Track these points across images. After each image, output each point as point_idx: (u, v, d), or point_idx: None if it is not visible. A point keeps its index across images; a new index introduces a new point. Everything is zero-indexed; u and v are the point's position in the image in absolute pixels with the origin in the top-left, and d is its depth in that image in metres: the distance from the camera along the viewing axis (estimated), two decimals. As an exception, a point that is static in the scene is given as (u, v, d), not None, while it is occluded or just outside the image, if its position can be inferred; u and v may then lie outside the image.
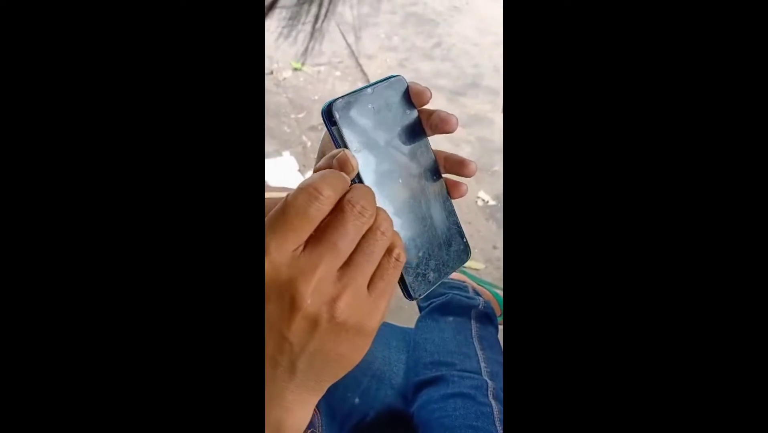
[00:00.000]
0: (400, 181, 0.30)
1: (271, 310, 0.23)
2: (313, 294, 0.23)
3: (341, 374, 0.26)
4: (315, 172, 0.29)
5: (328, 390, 0.56)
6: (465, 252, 0.34)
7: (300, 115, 1.54)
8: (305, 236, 0.23)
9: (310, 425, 0.50)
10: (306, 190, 0.23)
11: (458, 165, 0.32)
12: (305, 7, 0.23)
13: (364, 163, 0.29)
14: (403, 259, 0.26)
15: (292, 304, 0.23)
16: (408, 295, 0.31)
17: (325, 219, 0.24)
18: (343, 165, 0.27)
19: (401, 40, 1.83)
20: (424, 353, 0.57)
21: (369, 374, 0.56)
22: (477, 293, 0.66)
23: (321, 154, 0.36)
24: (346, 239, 0.24)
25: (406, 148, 0.31)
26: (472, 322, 0.60)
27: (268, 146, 1.46)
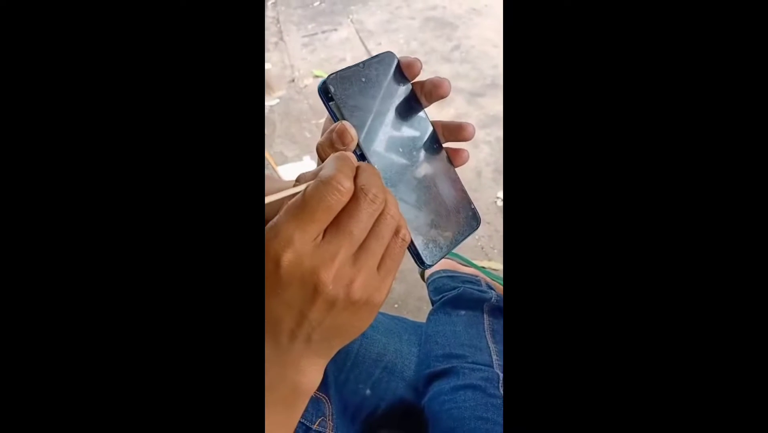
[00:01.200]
0: (401, 150, 0.31)
1: (293, 293, 0.24)
2: (334, 280, 0.24)
3: (349, 340, 0.28)
4: (317, 146, 0.30)
5: (340, 382, 0.57)
6: (474, 219, 0.34)
7: (320, 121, 1.57)
8: (325, 225, 0.25)
9: (320, 413, 0.51)
10: (328, 183, 0.24)
11: (456, 131, 0.32)
12: None
13: (364, 133, 0.29)
14: (408, 238, 0.27)
15: (314, 290, 0.24)
16: (420, 262, 0.31)
17: None
18: (341, 135, 0.28)
19: (420, 44, 1.84)
20: (435, 345, 0.57)
21: (380, 366, 0.56)
22: (490, 287, 0.66)
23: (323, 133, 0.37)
24: (360, 226, 0.25)
25: (404, 119, 0.31)
26: (485, 315, 0.60)
27: (290, 151, 1.49)
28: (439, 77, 0.31)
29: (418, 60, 0.31)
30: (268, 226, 0.24)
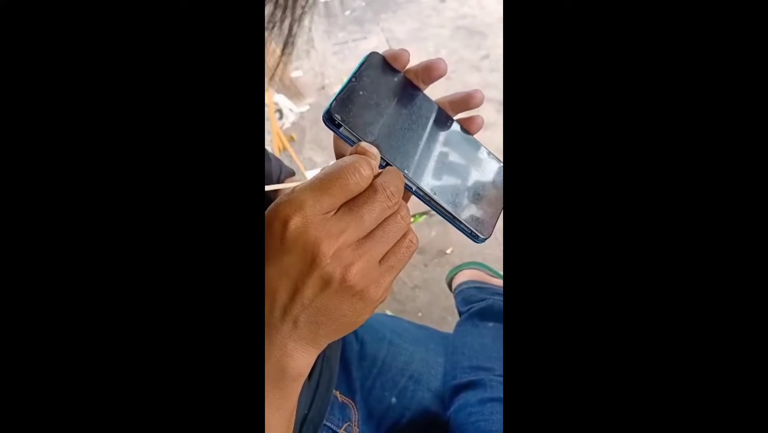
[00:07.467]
0: (419, 141, 0.31)
1: (293, 261, 0.25)
2: (333, 257, 0.25)
3: (339, 333, 0.28)
4: None
5: (366, 388, 0.57)
6: None
7: (349, 127, 1.58)
8: (338, 204, 0.25)
9: (347, 418, 0.51)
10: (353, 165, 0.25)
11: (464, 102, 0.33)
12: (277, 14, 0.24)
13: (381, 143, 0.29)
14: (415, 246, 0.28)
15: (313, 261, 0.24)
16: (475, 238, 0.31)
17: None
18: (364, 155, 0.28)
19: (450, 52, 1.85)
20: (462, 356, 0.57)
21: (407, 375, 0.56)
22: (519, 300, 0.65)
23: (336, 150, 0.37)
24: (372, 215, 0.26)
25: (410, 110, 0.31)
26: (513, 328, 0.59)
27: (319, 157, 1.51)
28: (431, 59, 0.31)
29: (405, 50, 0.31)
30: (285, 194, 0.25)
